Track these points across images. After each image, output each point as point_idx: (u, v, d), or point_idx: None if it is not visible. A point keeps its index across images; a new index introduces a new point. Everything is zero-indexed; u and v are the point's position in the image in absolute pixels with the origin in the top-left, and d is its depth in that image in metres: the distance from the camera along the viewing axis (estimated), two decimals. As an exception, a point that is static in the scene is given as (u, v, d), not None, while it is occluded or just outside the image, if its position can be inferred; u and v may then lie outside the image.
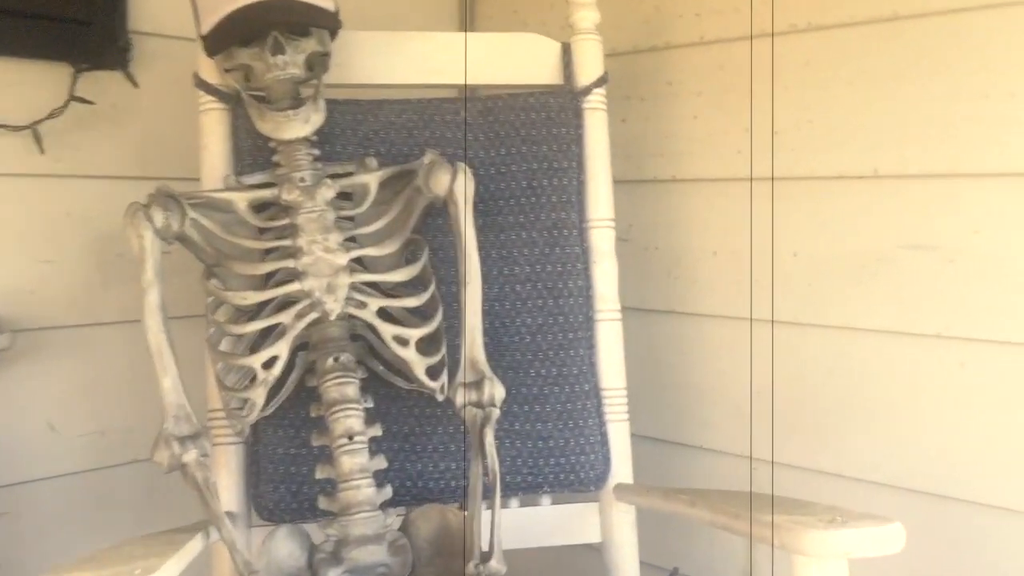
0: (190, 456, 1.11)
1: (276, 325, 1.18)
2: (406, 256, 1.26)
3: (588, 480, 1.32)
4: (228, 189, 1.24)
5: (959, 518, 1.28)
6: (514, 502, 1.32)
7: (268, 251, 1.21)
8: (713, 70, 1.51)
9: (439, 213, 1.30)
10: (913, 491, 1.32)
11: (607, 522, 1.32)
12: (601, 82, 1.38)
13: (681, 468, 1.57)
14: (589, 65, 1.39)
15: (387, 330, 1.19)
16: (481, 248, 1.26)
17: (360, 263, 1.22)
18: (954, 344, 1.28)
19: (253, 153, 1.28)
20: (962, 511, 1.28)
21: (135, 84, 1.46)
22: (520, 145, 1.36)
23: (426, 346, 1.21)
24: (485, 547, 1.13)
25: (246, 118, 1.24)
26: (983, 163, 1.25)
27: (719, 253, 1.51)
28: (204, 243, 1.21)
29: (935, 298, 1.29)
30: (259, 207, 1.23)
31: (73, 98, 1.39)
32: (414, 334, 1.20)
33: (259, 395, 1.16)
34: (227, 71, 1.24)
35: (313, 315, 1.17)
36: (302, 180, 1.20)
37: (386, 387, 1.26)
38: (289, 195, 1.19)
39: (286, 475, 1.25)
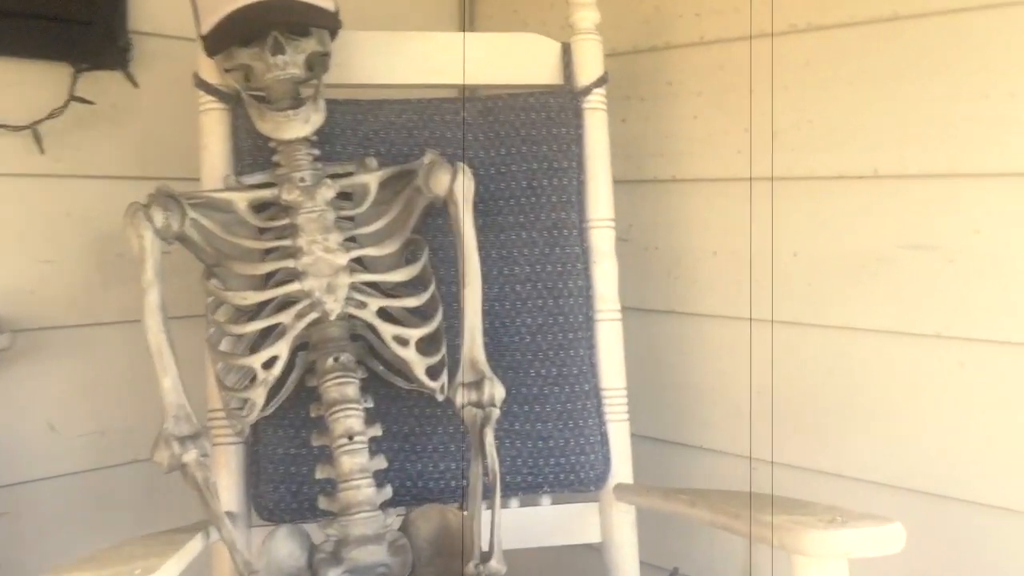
0: (190, 456, 1.11)
1: (276, 325, 1.17)
2: (406, 256, 1.26)
3: (588, 480, 1.32)
4: (228, 189, 1.24)
5: (959, 518, 1.28)
6: (514, 502, 1.32)
7: (268, 251, 1.21)
8: (713, 70, 1.51)
9: (439, 213, 1.30)
10: (913, 491, 1.32)
11: (607, 522, 1.32)
12: (601, 82, 1.38)
13: (681, 468, 1.57)
14: (589, 65, 1.38)
15: (387, 330, 1.19)
16: (481, 248, 1.26)
17: (360, 263, 1.22)
18: (954, 344, 1.28)
19: (253, 153, 1.28)
20: (962, 511, 1.28)
21: (135, 84, 1.46)
22: (520, 145, 1.36)
23: (426, 346, 1.21)
24: (485, 547, 1.13)
25: (246, 118, 1.24)
26: (983, 163, 1.25)
27: (719, 253, 1.51)
28: (204, 243, 1.21)
29: (935, 298, 1.29)
30: (259, 207, 1.22)
31: (73, 98, 1.39)
32: (414, 334, 1.20)
33: (259, 395, 1.16)
34: (227, 71, 1.24)
35: (313, 315, 1.17)
36: (302, 180, 1.20)
37: (386, 387, 1.26)
38: (289, 195, 1.19)
39: (286, 475, 1.25)
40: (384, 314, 1.20)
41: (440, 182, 1.23)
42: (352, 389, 1.17)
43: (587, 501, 1.33)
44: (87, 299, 1.45)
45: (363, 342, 1.23)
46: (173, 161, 1.46)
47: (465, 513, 1.17)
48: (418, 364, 1.20)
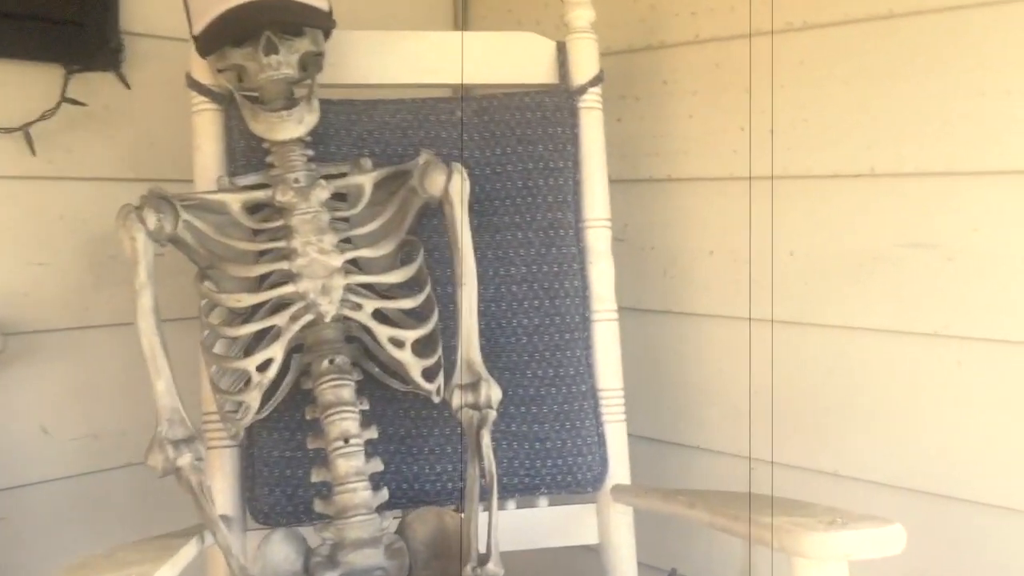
0: (184, 460, 1.10)
1: (271, 327, 1.17)
2: (401, 257, 1.26)
3: (585, 481, 1.31)
4: (221, 190, 1.23)
5: (959, 518, 1.28)
6: (511, 504, 1.32)
7: (262, 253, 1.21)
8: (709, 69, 1.50)
9: (434, 214, 1.29)
10: (912, 491, 1.32)
11: (605, 523, 1.32)
12: (597, 81, 1.38)
13: (679, 468, 1.57)
14: (584, 64, 1.38)
15: (383, 332, 1.19)
16: (477, 249, 1.26)
17: (355, 264, 1.21)
18: (953, 343, 1.28)
19: (247, 154, 1.27)
20: (962, 511, 1.28)
21: (127, 85, 1.45)
22: (516, 145, 1.35)
23: (422, 348, 1.20)
24: (482, 549, 1.13)
25: (239, 119, 1.24)
26: (980, 161, 1.25)
27: (715, 252, 1.51)
28: (197, 245, 1.20)
29: (933, 297, 1.29)
30: (253, 208, 1.22)
31: (65, 99, 1.38)
32: (410, 336, 1.19)
33: (254, 398, 1.15)
34: (220, 71, 1.23)
35: (308, 317, 1.17)
36: (296, 181, 1.19)
37: (382, 389, 1.25)
38: (283, 196, 1.19)
39: (281, 478, 1.24)
40: (379, 316, 1.20)
41: (435, 182, 1.22)
42: (348, 391, 1.16)
43: (584, 502, 1.33)
44: (80, 302, 1.44)
45: (358, 344, 1.22)
46: (166, 162, 1.45)
47: (462, 515, 1.16)
48: (414, 366, 1.19)
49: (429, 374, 1.20)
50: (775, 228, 1.43)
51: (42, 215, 1.41)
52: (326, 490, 1.17)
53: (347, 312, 1.18)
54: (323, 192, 1.20)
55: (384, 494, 1.18)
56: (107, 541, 1.09)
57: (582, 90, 1.37)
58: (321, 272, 1.17)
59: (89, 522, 1.44)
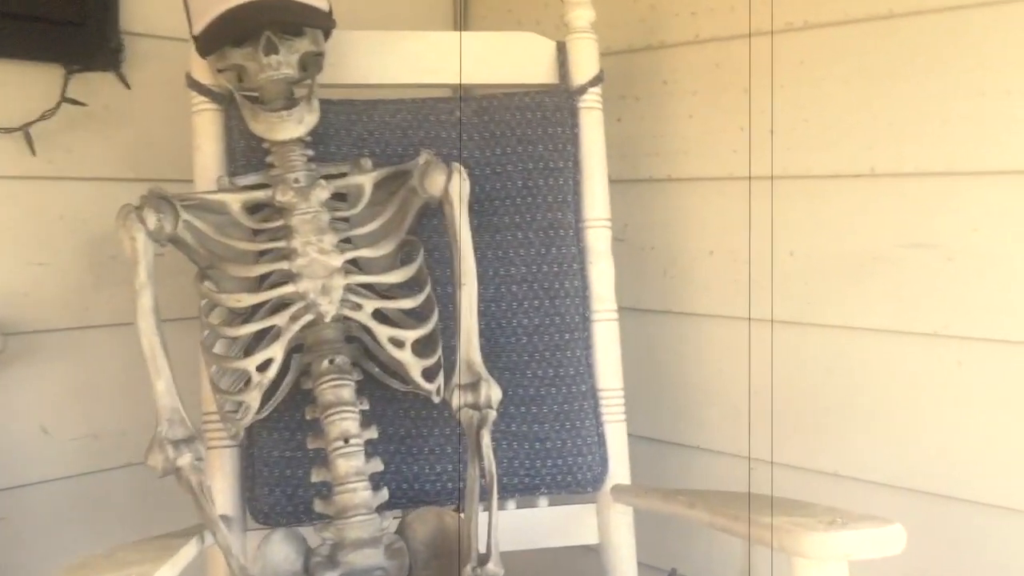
0: (184, 460, 1.10)
1: (271, 327, 1.17)
2: (401, 257, 1.26)
3: (585, 481, 1.31)
4: (221, 190, 1.23)
5: (959, 518, 1.28)
6: (511, 504, 1.32)
7: (262, 253, 1.21)
8: (709, 69, 1.50)
9: (434, 214, 1.29)
10: (912, 491, 1.32)
11: (604, 523, 1.32)
12: (597, 81, 1.38)
13: (679, 469, 1.57)
14: (584, 64, 1.38)
15: (383, 332, 1.19)
16: (477, 249, 1.25)
17: (355, 264, 1.21)
18: (953, 343, 1.28)
19: (247, 154, 1.27)
20: (962, 511, 1.28)
21: (127, 85, 1.45)
22: (515, 145, 1.35)
23: (422, 348, 1.20)
24: (482, 549, 1.13)
25: (239, 119, 1.23)
26: (980, 161, 1.25)
27: (715, 252, 1.51)
28: (197, 245, 1.20)
29: (933, 297, 1.29)
30: (253, 208, 1.22)
31: (65, 99, 1.38)
32: (410, 336, 1.19)
33: (254, 398, 1.15)
34: (220, 71, 1.23)
35: (308, 317, 1.17)
36: (296, 181, 1.19)
37: (382, 389, 1.25)
38: (283, 196, 1.19)
39: (281, 478, 1.24)
40: (379, 316, 1.20)
41: (435, 182, 1.22)
42: (347, 391, 1.16)
43: (584, 502, 1.33)
44: (80, 302, 1.44)
45: (358, 344, 1.22)
46: (166, 162, 1.45)
47: (462, 515, 1.16)
48: (414, 366, 1.19)
49: (429, 374, 1.20)
50: (775, 228, 1.43)
51: (42, 215, 1.41)
52: (326, 490, 1.17)
53: (347, 312, 1.18)
54: (323, 192, 1.20)
55: (384, 494, 1.18)
56: (107, 541, 1.09)
57: (582, 90, 1.37)
58: (321, 272, 1.17)
59: (89, 522, 1.44)
